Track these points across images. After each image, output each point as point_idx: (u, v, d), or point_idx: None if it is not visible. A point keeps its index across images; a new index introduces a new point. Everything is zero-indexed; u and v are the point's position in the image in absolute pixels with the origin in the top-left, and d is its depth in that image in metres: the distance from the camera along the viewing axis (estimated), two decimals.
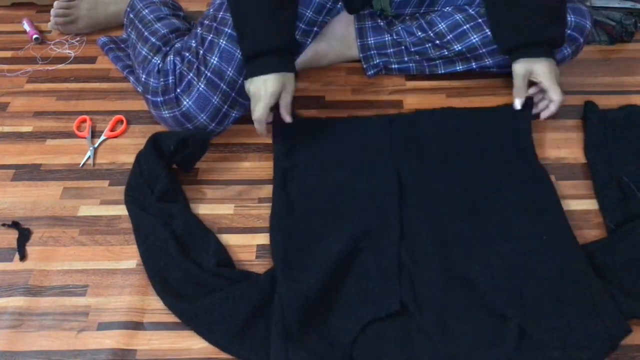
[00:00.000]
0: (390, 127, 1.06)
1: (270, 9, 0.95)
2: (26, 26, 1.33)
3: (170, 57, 1.03)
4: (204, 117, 1.01)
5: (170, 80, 1.01)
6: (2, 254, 0.91)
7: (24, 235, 0.93)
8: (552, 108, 1.03)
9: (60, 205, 0.97)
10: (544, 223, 0.90)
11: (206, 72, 1.00)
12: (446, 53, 1.12)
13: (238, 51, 0.99)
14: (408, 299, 0.81)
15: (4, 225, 0.95)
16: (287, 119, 1.01)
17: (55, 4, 1.30)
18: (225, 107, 1.01)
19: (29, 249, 0.92)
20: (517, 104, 1.04)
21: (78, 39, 1.31)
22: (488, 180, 0.96)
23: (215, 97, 1.00)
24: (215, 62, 1.00)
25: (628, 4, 1.30)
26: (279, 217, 0.92)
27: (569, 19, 1.06)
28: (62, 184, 1.01)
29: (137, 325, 0.82)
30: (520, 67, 1.01)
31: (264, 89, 0.95)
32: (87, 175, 1.02)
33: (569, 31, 1.06)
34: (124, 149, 1.07)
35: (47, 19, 1.33)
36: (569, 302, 0.80)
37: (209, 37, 1.01)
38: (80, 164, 1.04)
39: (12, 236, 0.93)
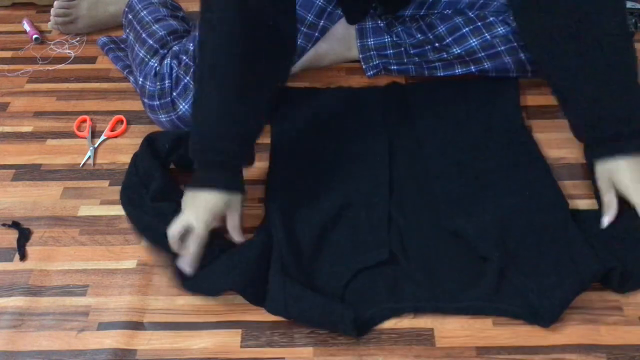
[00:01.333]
0: (383, 95, 1.12)
1: (230, 97, 0.84)
2: (26, 26, 1.34)
3: (167, 60, 1.03)
4: None
5: (167, 84, 1.01)
6: (2, 254, 0.91)
7: (24, 235, 0.93)
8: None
9: (60, 205, 0.97)
10: (528, 179, 0.95)
11: None
12: (445, 56, 1.11)
13: None
14: (397, 249, 0.87)
15: (4, 225, 0.95)
16: (239, 238, 0.87)
17: (55, 3, 1.30)
18: None
19: (29, 249, 0.92)
20: (605, 221, 0.86)
21: (78, 39, 1.31)
22: (476, 142, 1.02)
23: None
24: None
25: (628, 4, 1.30)
26: (275, 174, 0.98)
27: None
28: (62, 184, 1.01)
29: (137, 325, 0.82)
30: (600, 170, 0.86)
31: (194, 218, 0.82)
32: (87, 175, 1.02)
33: None
34: (124, 149, 1.07)
35: (47, 19, 1.33)
36: (547, 249, 0.85)
37: None
38: (80, 164, 1.04)
39: (12, 236, 0.93)
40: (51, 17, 1.30)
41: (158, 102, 1.01)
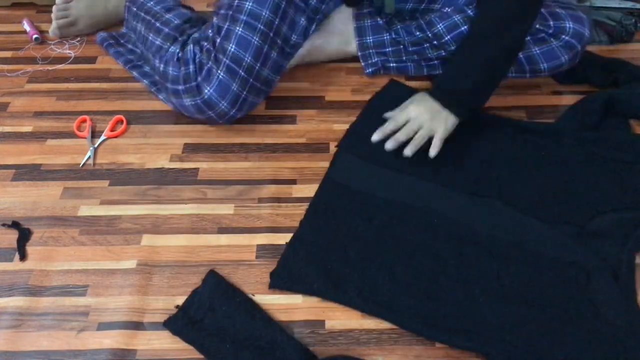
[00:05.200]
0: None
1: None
2: (26, 26, 1.33)
3: (189, 47, 1.05)
4: (225, 104, 1.02)
5: (191, 69, 1.03)
6: (2, 254, 0.91)
7: (24, 235, 0.93)
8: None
9: (60, 205, 0.98)
10: None
11: (225, 59, 1.01)
12: (444, 54, 1.12)
13: (254, 38, 1.01)
14: None
15: (4, 225, 0.95)
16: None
17: (54, 7, 1.29)
18: (244, 93, 1.03)
19: (29, 249, 0.92)
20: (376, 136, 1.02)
21: (78, 39, 1.31)
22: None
23: (234, 84, 1.01)
24: (233, 49, 1.01)
25: (628, 4, 1.30)
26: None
27: (567, 25, 1.05)
28: (62, 184, 1.01)
29: (137, 325, 0.82)
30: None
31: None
32: (87, 175, 1.02)
33: (567, 38, 1.05)
34: (124, 149, 1.07)
35: (47, 19, 1.33)
36: None
37: (225, 26, 1.03)
38: (80, 164, 1.04)
39: (12, 236, 0.93)
40: (53, 22, 1.30)
41: (183, 87, 1.03)
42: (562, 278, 0.85)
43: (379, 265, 0.87)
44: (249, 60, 1.01)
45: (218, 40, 1.03)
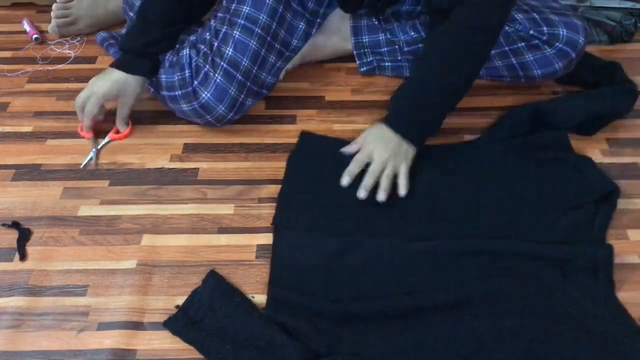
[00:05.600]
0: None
1: (159, 18, 1.04)
2: (26, 26, 1.34)
3: (185, 51, 1.05)
4: (223, 108, 1.02)
5: (187, 74, 1.03)
6: (2, 254, 0.91)
7: (24, 235, 0.93)
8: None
9: (60, 205, 0.97)
10: None
11: (222, 63, 1.01)
12: None
13: (252, 41, 1.01)
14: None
15: (4, 225, 0.95)
16: (121, 128, 1.08)
17: (54, 6, 1.29)
18: (242, 96, 1.03)
19: (29, 249, 0.92)
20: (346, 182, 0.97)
21: (78, 39, 1.31)
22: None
23: (232, 88, 1.01)
24: (230, 53, 1.01)
25: (628, 4, 1.30)
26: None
27: (561, 33, 1.04)
28: (62, 184, 1.01)
29: (137, 325, 0.82)
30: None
31: (98, 86, 1.03)
32: (87, 175, 1.02)
33: (560, 45, 1.05)
34: (124, 149, 1.07)
35: (47, 19, 1.33)
36: None
37: (223, 29, 1.03)
38: (81, 164, 1.04)
39: (12, 236, 0.93)
40: (52, 20, 1.30)
41: (180, 92, 1.03)
42: (543, 286, 0.84)
43: (368, 317, 0.83)
44: (246, 64, 1.01)
45: (215, 43, 1.02)
